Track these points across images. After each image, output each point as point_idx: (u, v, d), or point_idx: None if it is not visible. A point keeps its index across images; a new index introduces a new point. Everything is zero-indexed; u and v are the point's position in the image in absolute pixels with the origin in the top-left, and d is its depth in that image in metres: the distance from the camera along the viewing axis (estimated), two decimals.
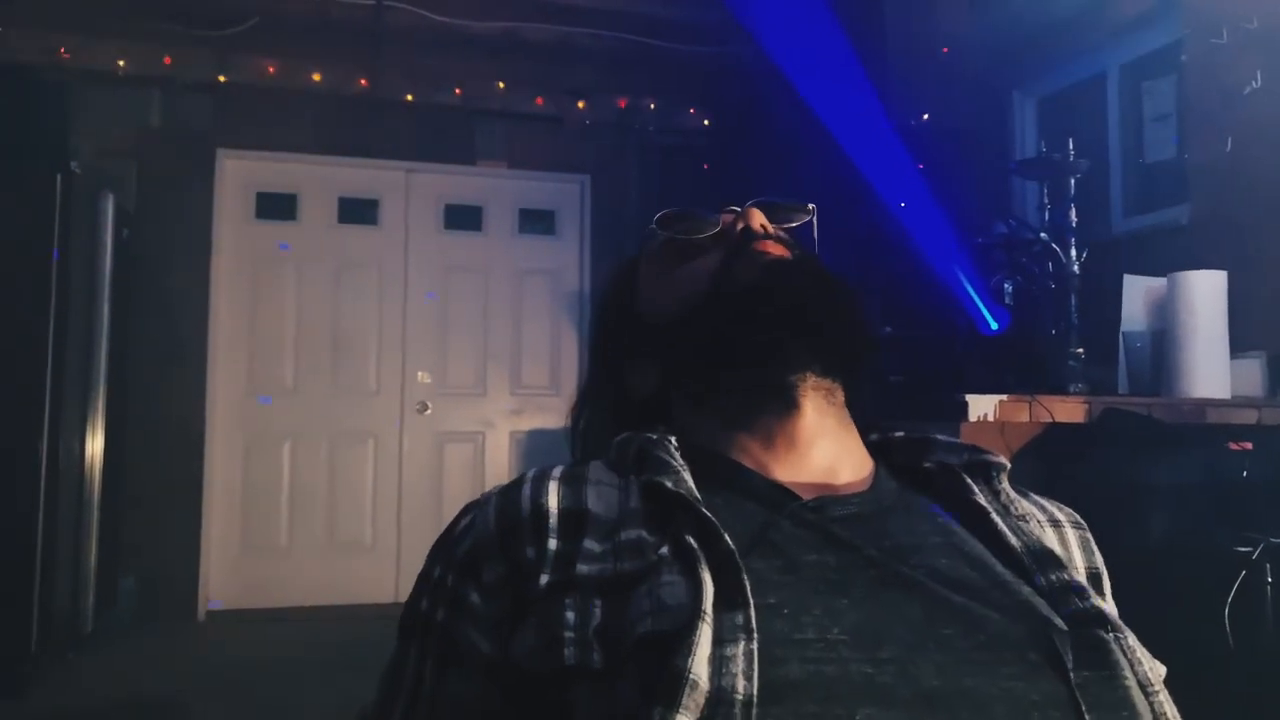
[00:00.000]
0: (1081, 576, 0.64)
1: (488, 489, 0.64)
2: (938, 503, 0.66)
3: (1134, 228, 3.03)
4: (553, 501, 0.59)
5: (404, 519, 4.38)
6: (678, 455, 0.63)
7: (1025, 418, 1.99)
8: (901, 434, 0.73)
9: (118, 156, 3.99)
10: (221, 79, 4.09)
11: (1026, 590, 0.58)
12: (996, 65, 3.50)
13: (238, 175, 4.28)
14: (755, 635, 0.49)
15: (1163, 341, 2.28)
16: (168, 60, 4.01)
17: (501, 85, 4.38)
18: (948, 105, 3.38)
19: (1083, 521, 0.71)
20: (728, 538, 0.54)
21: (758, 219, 0.73)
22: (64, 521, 3.23)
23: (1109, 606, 0.64)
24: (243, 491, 4.21)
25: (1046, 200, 2.62)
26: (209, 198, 4.17)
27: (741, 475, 0.64)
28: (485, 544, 0.59)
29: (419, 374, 4.47)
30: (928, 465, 0.70)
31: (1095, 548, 0.70)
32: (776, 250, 0.71)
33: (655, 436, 0.65)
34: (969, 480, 0.67)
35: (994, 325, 2.18)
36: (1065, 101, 3.41)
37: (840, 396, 0.69)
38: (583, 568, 0.54)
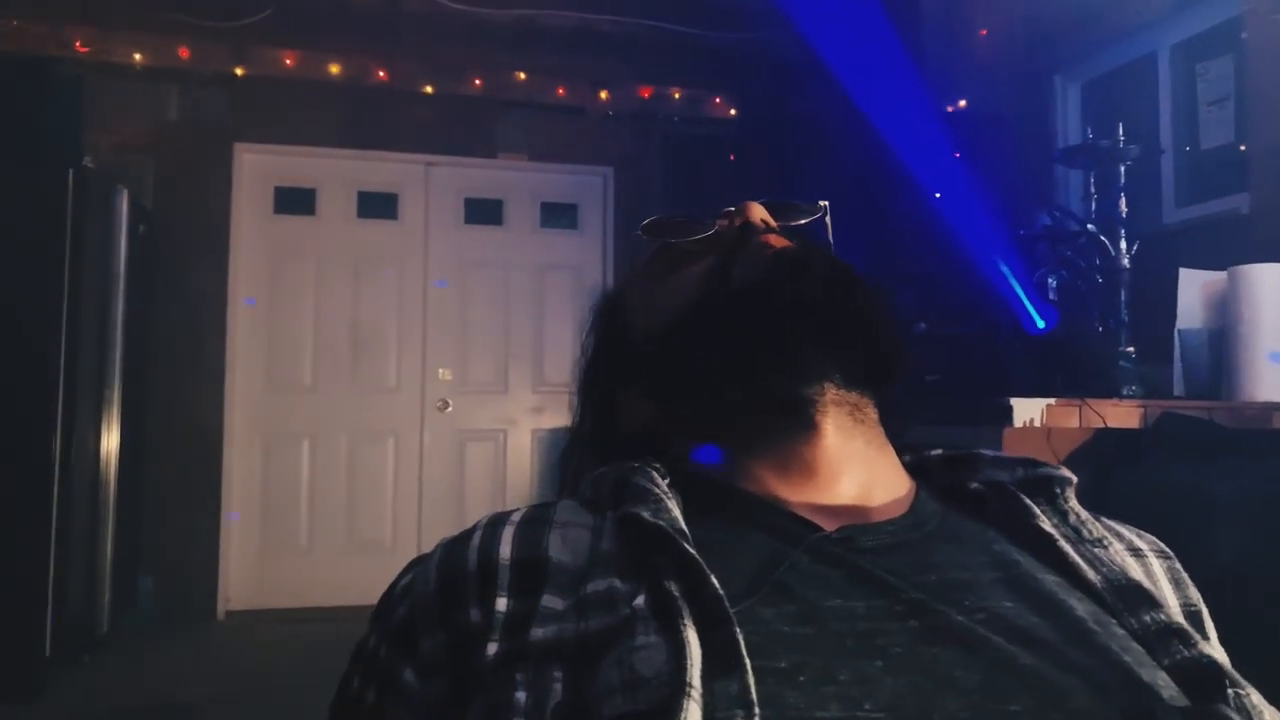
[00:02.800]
0: (1178, 616, 0.51)
1: (433, 544, 0.53)
2: (994, 529, 0.54)
3: (1188, 218, 2.86)
4: (505, 551, 0.48)
5: (425, 519, 4.31)
6: (663, 483, 0.52)
7: (1075, 423, 1.85)
8: (939, 452, 0.61)
9: (134, 152, 3.95)
10: (239, 72, 4.03)
11: (1117, 644, 0.45)
12: (1037, 48, 3.34)
13: (256, 169, 4.23)
14: (757, 711, 0.38)
15: (1222, 340, 2.12)
16: (184, 53, 3.95)
17: (522, 76, 4.29)
18: (986, 91, 3.23)
19: (1168, 550, 0.59)
20: (714, 580, 0.43)
21: (757, 213, 0.62)
22: (78, 520, 3.20)
23: (1221, 654, 0.51)
24: (262, 490, 4.17)
25: (1093, 190, 2.48)
26: (227, 192, 4.12)
27: (746, 502, 0.53)
28: (424, 608, 0.48)
29: (440, 371, 4.40)
30: (975, 486, 0.57)
31: (1187, 579, 0.58)
32: (780, 242, 0.60)
33: (637, 464, 0.54)
34: (1028, 501, 0.55)
35: (1040, 323, 2.04)
36: (1111, 85, 3.24)
37: (871, 412, 0.57)
38: (539, 631, 0.43)
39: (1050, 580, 0.49)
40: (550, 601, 0.45)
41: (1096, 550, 0.53)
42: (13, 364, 3.02)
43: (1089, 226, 2.35)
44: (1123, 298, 2.30)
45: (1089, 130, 2.53)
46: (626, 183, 4.54)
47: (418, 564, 0.52)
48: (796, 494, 0.53)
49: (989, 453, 0.59)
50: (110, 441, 3.45)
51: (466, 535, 0.51)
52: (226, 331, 4.10)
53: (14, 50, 3.69)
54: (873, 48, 2.99)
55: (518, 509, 0.53)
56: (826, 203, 0.64)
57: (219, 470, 4.06)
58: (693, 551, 0.45)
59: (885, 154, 2.77)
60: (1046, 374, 1.99)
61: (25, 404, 3.03)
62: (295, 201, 4.28)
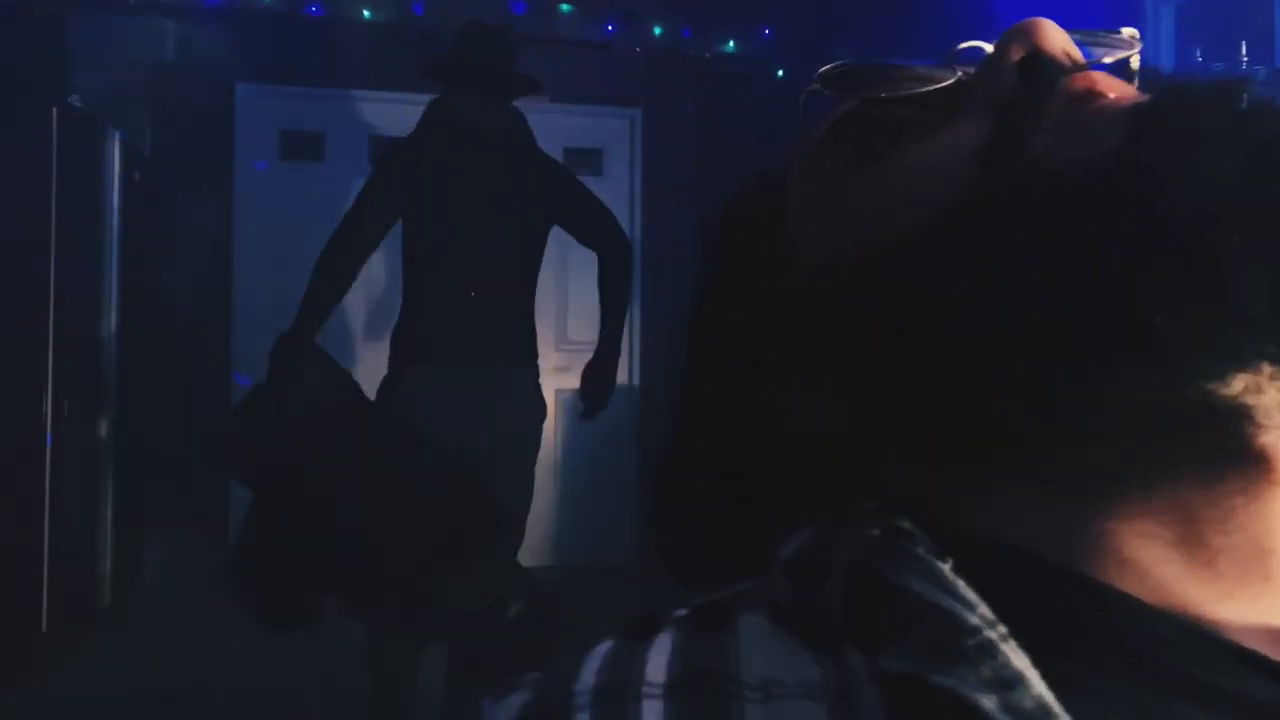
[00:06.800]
0: None
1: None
2: None
3: None
4: None
5: None
6: (963, 588, 0.25)
7: None
8: None
9: (129, 93, 3.68)
10: (240, 6, 3.74)
11: None
12: None
13: (260, 112, 3.95)
14: None
15: None
16: None
17: (543, 9, 3.96)
18: (1067, 14, 2.90)
19: None
20: None
21: (1055, 39, 0.31)
22: (74, 485, 3.00)
23: None
24: None
25: None
26: (230, 137, 3.86)
27: (1130, 622, 0.25)
28: None
29: None
30: None
31: None
32: (1115, 89, 0.30)
33: (878, 533, 0.27)
34: None
35: None
36: (1213, 6, 2.88)
37: None
38: None
39: None
40: None
41: None
42: None
43: None
44: None
45: (1198, 52, 2.19)
46: (656, 125, 4.22)
47: None
48: (1225, 600, 0.26)
49: None
50: (107, 401, 3.25)
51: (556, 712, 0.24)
52: (232, 284, 3.88)
53: None
54: None
55: (662, 634, 0.26)
56: (1136, 31, 0.35)
57: None
58: None
59: None
60: None
61: (10, 361, 2.81)
62: (302, 146, 4.02)
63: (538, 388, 2.35)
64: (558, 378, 4.27)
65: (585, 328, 4.35)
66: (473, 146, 2.23)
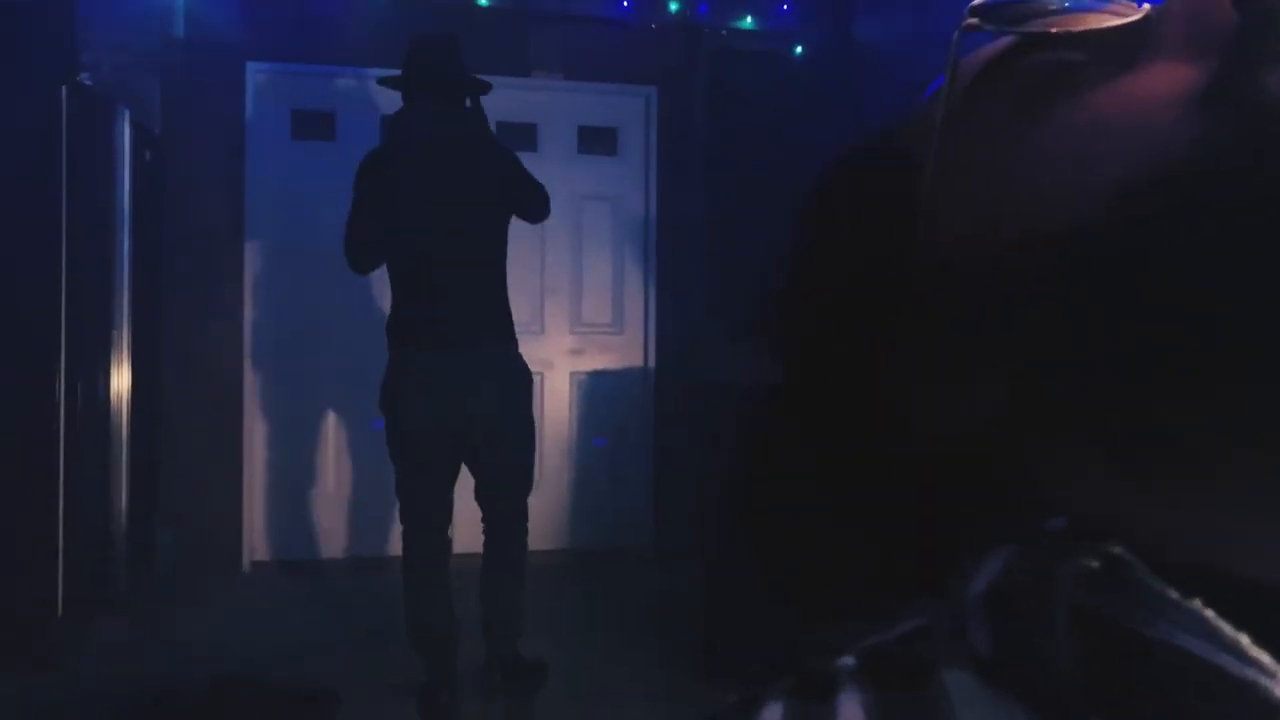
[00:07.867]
0: None
1: None
2: None
3: None
4: None
5: None
6: (1248, 644, 0.19)
7: None
8: None
9: (139, 72, 3.63)
10: None
11: None
12: None
13: (271, 91, 3.89)
14: None
15: None
16: None
17: None
18: None
19: None
20: None
21: None
22: (88, 469, 2.98)
23: None
24: (286, 434, 3.95)
25: None
26: (240, 116, 3.81)
27: None
28: None
29: None
30: None
31: None
32: None
33: (1097, 565, 0.21)
34: None
35: None
36: None
37: None
38: None
39: None
40: None
41: None
42: (7, 304, 2.77)
43: None
44: None
45: None
46: (671, 104, 4.14)
47: None
48: None
49: None
50: (120, 384, 3.22)
51: None
52: (244, 265, 3.84)
53: None
54: None
55: (833, 697, 0.22)
56: None
57: (239, 413, 3.83)
58: None
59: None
60: None
61: (22, 344, 2.78)
62: (314, 126, 3.96)
63: (519, 358, 2.60)
64: (572, 359, 4.23)
65: (600, 309, 4.30)
66: (433, 153, 2.46)
